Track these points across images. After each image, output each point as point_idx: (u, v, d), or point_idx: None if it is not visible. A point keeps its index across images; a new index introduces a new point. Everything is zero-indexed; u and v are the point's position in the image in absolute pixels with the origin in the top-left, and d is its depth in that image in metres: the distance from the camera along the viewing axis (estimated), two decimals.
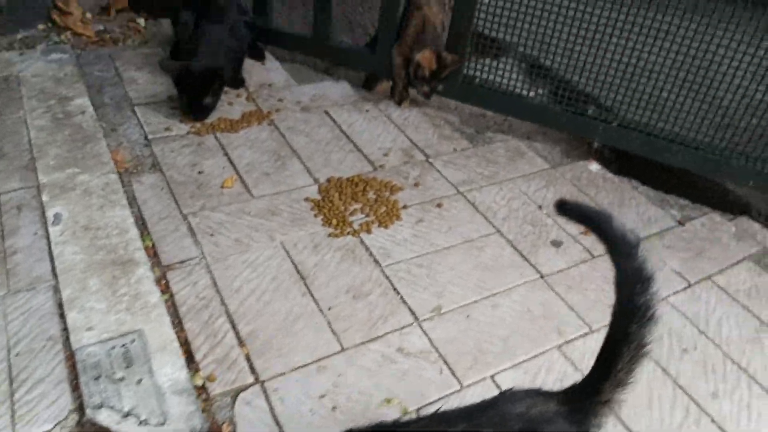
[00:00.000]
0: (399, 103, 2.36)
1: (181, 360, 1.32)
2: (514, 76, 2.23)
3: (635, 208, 1.98)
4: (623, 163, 2.19)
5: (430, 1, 2.34)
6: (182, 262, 1.59)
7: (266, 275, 1.57)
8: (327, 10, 2.40)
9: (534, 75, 2.32)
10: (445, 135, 2.24)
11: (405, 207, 1.86)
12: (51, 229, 1.57)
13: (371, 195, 1.89)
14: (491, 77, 2.28)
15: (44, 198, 1.66)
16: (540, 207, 1.94)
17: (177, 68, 2.01)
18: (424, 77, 2.21)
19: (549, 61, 2.15)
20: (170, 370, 1.29)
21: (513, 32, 2.09)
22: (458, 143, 2.20)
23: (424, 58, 2.19)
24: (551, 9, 2.00)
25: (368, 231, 1.75)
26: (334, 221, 1.76)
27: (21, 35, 2.44)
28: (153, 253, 1.60)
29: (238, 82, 2.31)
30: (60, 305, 1.39)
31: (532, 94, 2.28)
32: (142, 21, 2.65)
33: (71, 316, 1.36)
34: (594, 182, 2.09)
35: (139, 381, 1.26)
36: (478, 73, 2.30)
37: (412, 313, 1.52)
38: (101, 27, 2.57)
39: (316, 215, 1.78)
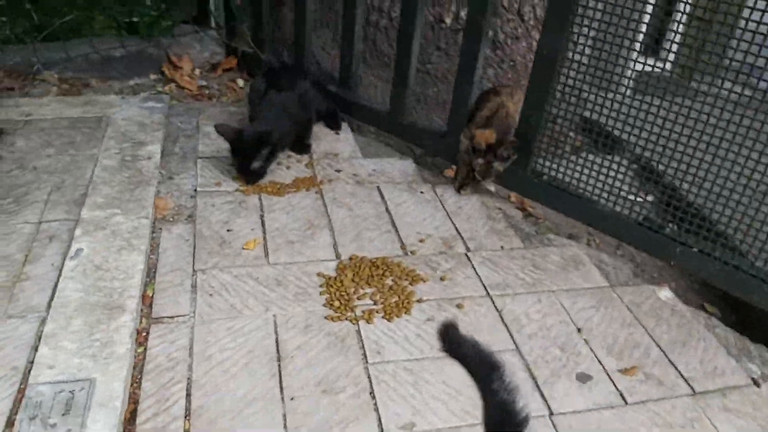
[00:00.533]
0: (458, 190, 2.23)
1: (118, 420, 1.27)
2: (585, 177, 2.01)
3: (701, 353, 1.64)
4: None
5: (512, 92, 2.23)
6: (171, 317, 1.57)
7: (244, 347, 1.50)
8: (403, 87, 2.37)
9: (642, 179, 2.09)
10: (497, 229, 2.06)
11: (420, 301, 1.70)
12: (67, 263, 1.64)
13: (388, 281, 1.76)
14: (560, 175, 2.08)
15: (76, 232, 1.76)
16: (579, 330, 1.67)
17: (230, 132, 2.08)
18: (480, 150, 2.07)
19: (662, 166, 1.91)
20: (101, 427, 1.24)
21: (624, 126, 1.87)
22: (508, 240, 2.01)
23: (482, 133, 2.07)
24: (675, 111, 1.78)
25: (369, 320, 1.62)
26: (337, 303, 1.66)
27: (134, 82, 2.71)
28: (149, 303, 1.60)
29: (304, 148, 2.34)
30: (39, 338, 1.43)
31: (639, 198, 2.03)
32: (240, 81, 2.83)
33: (41, 351, 1.38)
34: (657, 312, 1.77)
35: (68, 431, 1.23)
36: (546, 169, 2.11)
37: (380, 425, 1.35)
38: (204, 83, 2.78)
39: (322, 293, 1.69)
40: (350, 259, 1.83)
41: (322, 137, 2.50)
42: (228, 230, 1.89)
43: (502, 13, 2.85)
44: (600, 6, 1.80)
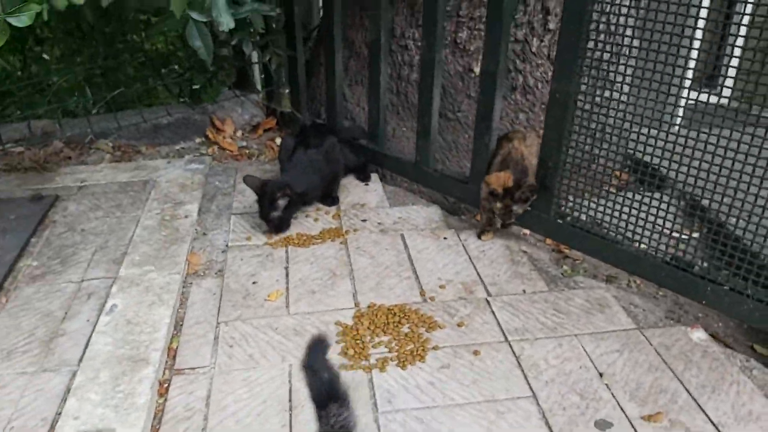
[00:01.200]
0: (479, 235, 2.23)
1: None
2: (607, 216, 1.97)
3: (733, 396, 1.53)
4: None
5: (524, 135, 2.24)
6: (193, 368, 1.64)
7: (258, 397, 1.54)
8: (426, 136, 2.43)
9: (685, 216, 2.02)
10: (520, 273, 2.03)
11: (435, 348, 1.70)
12: (101, 318, 1.76)
13: (405, 329, 1.77)
14: (583, 216, 2.05)
15: (113, 289, 1.88)
16: (601, 375, 1.61)
17: (256, 183, 2.20)
18: (496, 194, 2.07)
19: (709, 202, 1.76)
20: None
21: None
22: (532, 284, 1.97)
23: (497, 177, 2.08)
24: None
25: (382, 369, 1.63)
26: (351, 351, 1.68)
27: (179, 146, 2.92)
28: (173, 356, 1.69)
29: (332, 201, 2.42)
30: (68, 390, 1.53)
31: (684, 236, 1.94)
32: (279, 140, 2.98)
33: (69, 403, 1.48)
34: (688, 354, 1.68)
35: None
36: (568, 210, 2.08)
37: None
38: (244, 143, 2.95)
39: (338, 341, 1.72)
40: (368, 307, 1.86)
41: (351, 189, 2.58)
42: (253, 283, 1.98)
43: (531, 58, 2.89)
44: (629, 41, 1.80)
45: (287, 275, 2.01)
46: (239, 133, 3.02)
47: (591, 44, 1.84)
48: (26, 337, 1.71)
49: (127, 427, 1.42)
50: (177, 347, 1.71)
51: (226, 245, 2.17)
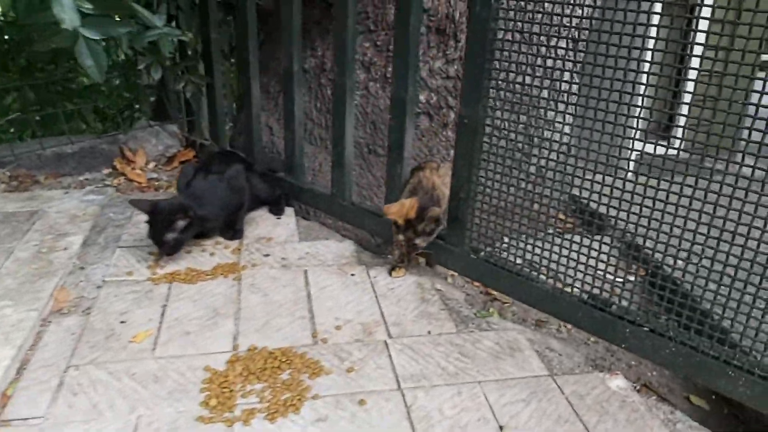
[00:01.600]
0: (390, 271, 2.04)
1: None
2: (522, 252, 1.80)
3: None
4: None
5: (437, 166, 2.09)
6: (23, 419, 1.38)
7: None
8: (341, 168, 2.26)
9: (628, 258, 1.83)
10: (428, 313, 1.83)
11: (315, 397, 1.47)
12: None
13: (285, 375, 1.54)
14: (499, 252, 1.87)
15: None
16: (501, 428, 1.39)
17: (145, 204, 1.98)
18: (398, 226, 1.89)
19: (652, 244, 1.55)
20: None
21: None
22: (438, 325, 1.77)
23: (395, 205, 1.91)
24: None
25: (246, 422, 1.38)
26: (215, 401, 1.44)
27: (84, 177, 2.70)
28: (4, 404, 1.43)
29: (234, 234, 2.21)
30: None
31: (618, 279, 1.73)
32: None
33: None
34: (603, 405, 1.48)
35: None
36: (482, 245, 1.91)
37: None
38: (155, 175, 2.74)
39: (203, 390, 1.48)
40: (248, 350, 1.63)
41: (260, 223, 2.38)
42: (122, 322, 1.73)
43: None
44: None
45: (163, 314, 1.77)
46: (151, 165, 2.82)
47: (496, 64, 1.72)
48: None
49: None
50: (12, 394, 1.45)
51: (103, 280, 1.93)
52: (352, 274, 2.02)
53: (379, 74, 2.94)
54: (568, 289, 1.71)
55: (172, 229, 1.97)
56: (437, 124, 2.91)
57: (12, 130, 2.94)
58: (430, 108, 2.86)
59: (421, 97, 2.88)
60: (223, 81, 2.84)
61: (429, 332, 1.74)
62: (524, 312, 1.96)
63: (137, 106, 2.87)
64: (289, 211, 2.48)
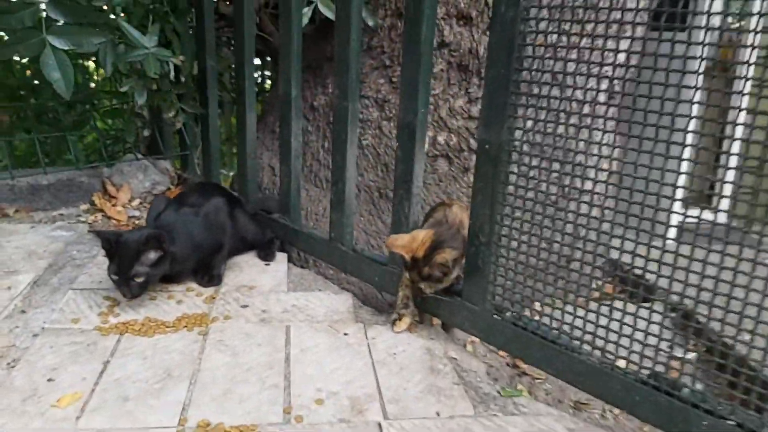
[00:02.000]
0: (393, 322, 1.66)
1: None
2: (560, 314, 1.41)
3: None
4: None
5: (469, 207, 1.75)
6: None
7: None
8: (341, 210, 1.92)
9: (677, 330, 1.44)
10: (438, 388, 1.43)
11: None
12: None
13: None
14: (530, 313, 1.49)
15: None
16: None
17: (107, 236, 1.65)
18: (404, 262, 1.54)
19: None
20: None
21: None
22: (450, 405, 1.37)
23: (401, 236, 1.56)
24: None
25: None
26: None
27: (59, 212, 2.40)
28: None
29: (209, 280, 1.86)
30: None
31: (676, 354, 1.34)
32: None
33: None
34: None
35: None
36: (508, 304, 1.52)
37: None
38: (137, 213, 2.44)
39: None
40: (198, 426, 1.25)
41: (246, 268, 2.03)
42: (49, 380, 1.37)
43: None
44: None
45: (102, 372, 1.41)
46: (136, 203, 2.52)
47: (524, 75, 1.39)
48: None
49: None
50: None
51: (42, 328, 1.58)
52: (345, 334, 1.65)
53: (393, 112, 2.66)
54: (621, 364, 1.31)
55: (140, 263, 1.63)
56: (457, 168, 2.59)
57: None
58: (449, 150, 2.55)
59: (440, 139, 2.58)
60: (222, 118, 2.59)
61: (438, 414, 1.34)
62: (560, 391, 1.57)
63: (126, 139, 2.59)
64: (281, 257, 2.13)
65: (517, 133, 1.42)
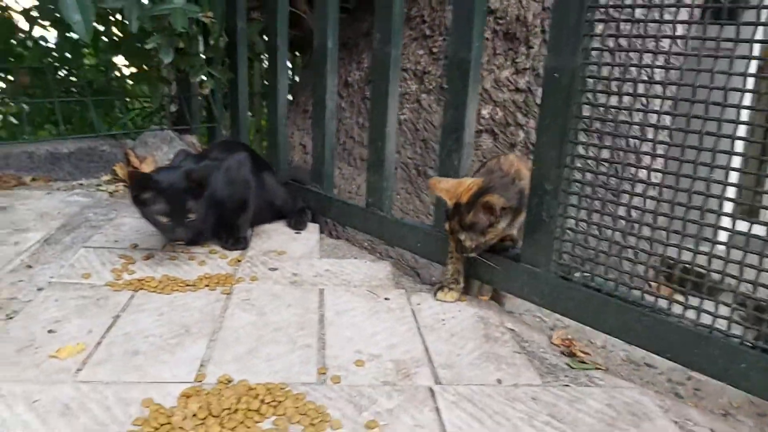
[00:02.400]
0: (435, 292, 1.46)
1: None
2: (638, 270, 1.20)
3: None
4: None
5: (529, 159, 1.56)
6: None
7: None
8: (380, 169, 1.74)
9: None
10: (497, 355, 1.22)
11: None
12: None
13: (267, 424, 0.95)
14: (606, 271, 1.27)
15: None
16: None
17: (144, 175, 1.52)
18: (446, 209, 1.36)
19: None
20: None
21: None
22: (513, 373, 1.16)
23: (441, 179, 1.40)
24: None
25: None
26: None
27: (79, 182, 2.27)
28: None
29: (234, 243, 1.68)
30: None
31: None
32: None
33: None
34: None
35: None
36: (578, 264, 1.31)
37: None
38: None
39: None
40: (218, 382, 1.06)
41: (274, 236, 1.85)
42: (49, 331, 1.19)
43: (536, 112, 2.31)
44: None
45: (110, 327, 1.23)
46: None
47: None
48: None
49: None
50: None
51: (49, 282, 1.42)
52: (386, 299, 1.45)
53: (433, 85, 2.48)
54: (722, 326, 1.09)
55: (192, 198, 1.50)
56: (503, 144, 2.40)
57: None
58: (494, 125, 2.36)
59: (484, 112, 2.40)
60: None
61: (499, 381, 1.13)
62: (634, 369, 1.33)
63: (150, 110, 2.46)
64: (312, 227, 1.95)
65: (594, 57, 1.23)
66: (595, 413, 1.04)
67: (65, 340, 1.17)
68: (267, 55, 2.15)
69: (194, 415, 0.95)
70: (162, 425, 0.92)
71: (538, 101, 2.34)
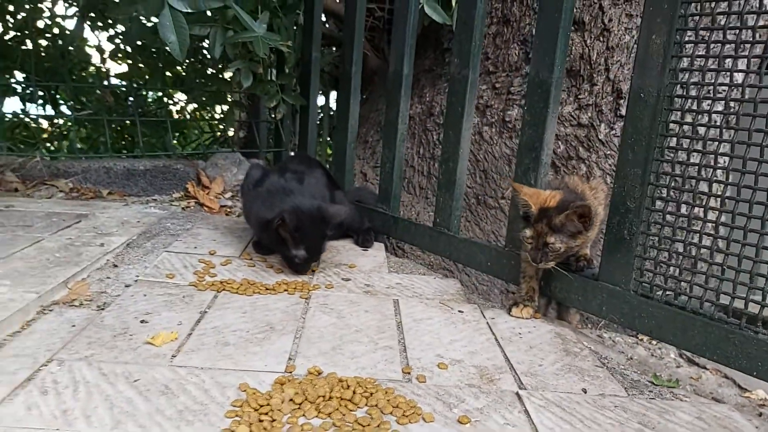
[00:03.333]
0: (510, 308, 1.46)
1: None
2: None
3: None
4: None
5: (589, 178, 1.58)
6: None
7: None
8: (450, 189, 1.78)
9: None
10: (579, 368, 1.21)
11: None
12: None
13: (360, 413, 0.96)
14: (691, 289, 1.26)
15: None
16: None
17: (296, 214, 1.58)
18: (527, 216, 1.38)
19: None
20: None
21: None
22: (597, 384, 1.14)
23: (523, 185, 1.42)
24: None
25: None
26: (244, 430, 0.88)
27: (153, 197, 2.37)
28: None
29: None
30: None
31: None
32: None
33: None
34: None
35: None
36: (659, 281, 1.30)
37: None
38: (229, 203, 2.37)
39: (230, 414, 0.93)
40: (308, 372, 1.08)
41: (343, 252, 1.89)
42: (142, 321, 1.24)
43: (598, 147, 2.35)
44: None
45: (199, 321, 1.27)
46: (228, 195, 2.46)
47: None
48: None
49: None
50: None
51: (135, 279, 1.48)
52: (460, 311, 1.45)
53: (495, 118, 2.54)
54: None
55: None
56: (556, 179, 2.42)
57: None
58: (555, 158, 2.39)
59: None
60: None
61: (584, 390, 1.12)
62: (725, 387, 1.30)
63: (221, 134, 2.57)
64: (378, 245, 1.99)
65: (678, 77, 1.25)
66: (686, 424, 1.02)
67: (157, 329, 1.21)
68: (340, 83, 2.23)
69: (290, 400, 0.97)
70: (261, 406, 0.94)
71: (601, 137, 2.38)
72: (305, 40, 2.37)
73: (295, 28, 2.45)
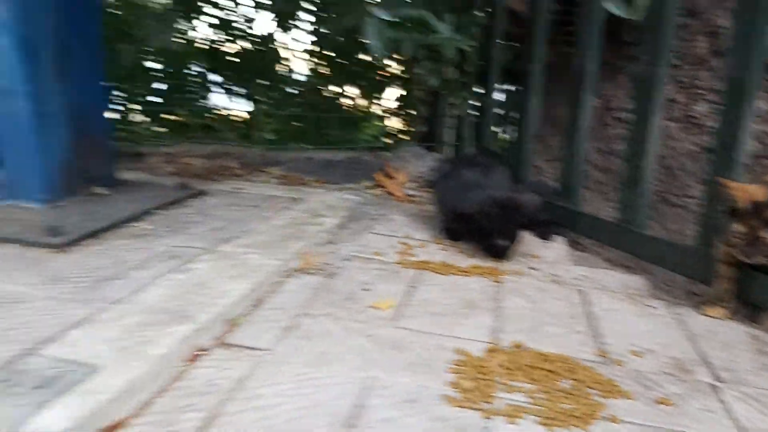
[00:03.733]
0: (702, 307, 1.47)
1: (88, 416, 0.86)
2: None
3: None
4: None
5: None
6: (246, 347, 1.16)
7: (306, 399, 0.99)
8: (635, 186, 1.81)
9: None
10: None
11: (612, 419, 0.99)
12: (170, 275, 1.40)
13: (565, 383, 1.09)
14: None
15: (202, 257, 1.54)
16: None
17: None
18: (734, 212, 1.39)
19: None
20: (62, 419, 0.84)
21: None
22: None
23: (737, 184, 1.41)
24: None
25: (511, 419, 0.97)
26: (468, 384, 1.05)
27: (347, 186, 2.66)
28: (229, 330, 1.23)
29: (497, 251, 1.85)
30: (82, 320, 1.15)
31: None
32: None
33: (72, 332, 1.09)
34: None
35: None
36: None
37: None
38: (413, 193, 2.59)
39: (453, 370, 1.11)
40: (515, 345, 1.23)
41: (524, 243, 2.01)
42: (364, 289, 1.47)
43: None
44: None
45: (409, 293, 1.48)
46: (412, 185, 2.68)
47: None
48: (83, 273, 1.41)
49: (114, 372, 0.97)
50: (240, 324, 1.25)
51: (350, 255, 1.73)
52: (652, 307, 1.51)
53: (680, 114, 2.48)
54: None
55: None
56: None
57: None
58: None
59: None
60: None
61: None
62: None
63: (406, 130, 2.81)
64: (558, 238, 2.07)
65: None
66: None
67: (377, 297, 1.43)
68: (521, 80, 2.34)
69: (502, 366, 1.13)
70: (479, 368, 1.11)
71: None
72: (488, 39, 2.50)
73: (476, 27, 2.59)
